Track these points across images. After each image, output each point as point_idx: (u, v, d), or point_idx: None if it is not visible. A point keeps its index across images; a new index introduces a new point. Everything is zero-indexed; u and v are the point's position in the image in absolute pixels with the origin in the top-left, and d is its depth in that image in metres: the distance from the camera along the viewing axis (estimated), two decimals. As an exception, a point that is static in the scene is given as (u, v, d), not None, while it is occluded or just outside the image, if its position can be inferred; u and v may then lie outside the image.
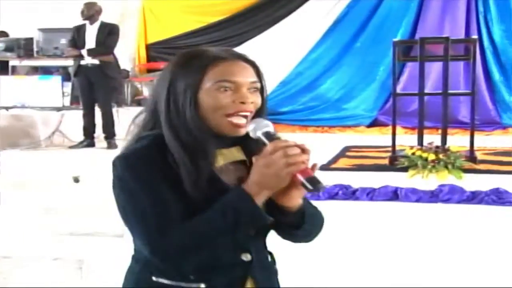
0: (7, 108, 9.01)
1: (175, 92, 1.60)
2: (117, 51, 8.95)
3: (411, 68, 9.78)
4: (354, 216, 4.97)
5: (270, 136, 1.56)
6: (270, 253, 1.76)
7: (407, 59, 8.14)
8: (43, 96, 9.09)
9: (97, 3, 8.66)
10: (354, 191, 5.45)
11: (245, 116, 1.60)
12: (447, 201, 5.23)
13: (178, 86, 1.60)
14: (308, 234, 1.70)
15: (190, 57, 1.64)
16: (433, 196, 5.28)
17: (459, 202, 5.20)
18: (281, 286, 1.76)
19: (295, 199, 1.59)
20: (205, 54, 1.63)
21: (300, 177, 1.50)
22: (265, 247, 1.73)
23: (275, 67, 10.89)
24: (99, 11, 8.65)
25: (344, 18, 11.21)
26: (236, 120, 1.59)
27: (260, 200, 1.51)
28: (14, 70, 10.95)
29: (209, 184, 1.55)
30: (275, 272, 1.76)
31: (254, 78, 1.64)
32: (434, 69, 9.27)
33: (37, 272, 4.03)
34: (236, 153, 1.66)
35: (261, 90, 1.67)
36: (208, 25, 11.73)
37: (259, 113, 1.65)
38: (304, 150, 1.52)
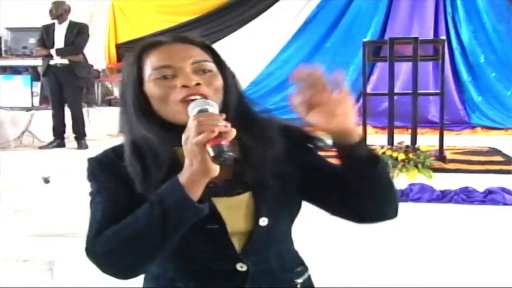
0: (-26, 108, 8.91)
1: (123, 89, 1.48)
2: (87, 50, 8.89)
3: (380, 68, 9.87)
4: (322, 216, 4.98)
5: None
6: (303, 264, 1.58)
7: (376, 59, 8.22)
8: (12, 96, 9.00)
9: (65, 2, 8.60)
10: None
11: None
12: (417, 200, 5.27)
13: (124, 83, 1.47)
14: (382, 191, 1.46)
15: (130, 50, 1.49)
16: (403, 195, 5.32)
17: (429, 201, 5.26)
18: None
19: (351, 134, 1.40)
20: (141, 42, 1.48)
21: (208, 146, 1.24)
22: (285, 256, 1.52)
23: (245, 67, 10.89)
24: (67, 10, 8.58)
25: (314, 18, 11.27)
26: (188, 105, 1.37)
27: (194, 188, 1.28)
28: (-18, 70, 10.83)
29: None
30: (293, 285, 1.52)
31: (199, 57, 1.43)
32: (403, 69, 9.36)
33: (7, 274, 3.99)
34: None
35: (223, 71, 1.46)
36: (178, 25, 11.69)
37: (228, 99, 1.45)
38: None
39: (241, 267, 1.42)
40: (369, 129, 8.07)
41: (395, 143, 6.60)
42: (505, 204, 5.12)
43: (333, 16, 11.23)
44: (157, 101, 1.40)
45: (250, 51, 10.98)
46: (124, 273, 1.37)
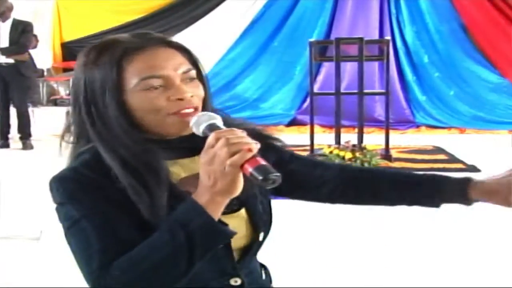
0: None
1: (94, 98, 1.30)
2: (32, 49, 8.74)
3: (327, 67, 9.94)
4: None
5: (215, 129, 1.23)
6: (265, 268, 1.56)
7: (323, 59, 8.29)
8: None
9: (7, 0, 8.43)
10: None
11: (190, 114, 1.31)
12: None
13: (95, 90, 1.30)
14: None
15: (100, 51, 1.32)
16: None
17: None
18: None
19: None
20: (116, 44, 1.32)
21: (248, 168, 1.15)
22: (257, 264, 1.51)
23: (192, 67, 10.85)
24: (10, 8, 8.41)
25: (261, 18, 11.30)
26: (184, 116, 1.31)
27: (216, 209, 1.20)
28: None
29: (169, 201, 1.26)
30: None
31: (186, 66, 1.36)
32: (349, 69, 9.44)
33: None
34: (198, 164, 1.24)
35: (201, 77, 1.41)
36: (124, 24, 11.58)
37: (205, 105, 1.39)
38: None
39: (235, 281, 1.39)
40: (317, 128, 8.13)
41: (342, 142, 6.67)
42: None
43: (280, 16, 11.27)
44: (146, 113, 1.30)
45: (196, 51, 10.58)
46: None
